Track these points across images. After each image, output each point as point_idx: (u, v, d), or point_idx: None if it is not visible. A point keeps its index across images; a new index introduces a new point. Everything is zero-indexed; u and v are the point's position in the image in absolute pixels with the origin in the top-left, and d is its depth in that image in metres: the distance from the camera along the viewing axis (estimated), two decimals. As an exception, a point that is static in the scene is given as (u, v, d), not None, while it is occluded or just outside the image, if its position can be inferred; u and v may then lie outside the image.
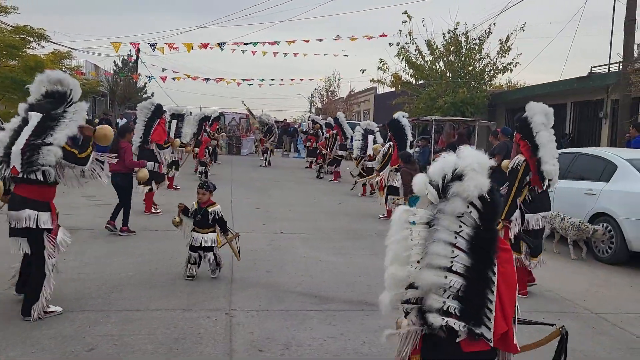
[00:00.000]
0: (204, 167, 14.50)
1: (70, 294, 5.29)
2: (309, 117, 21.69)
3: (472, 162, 2.45)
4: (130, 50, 37.61)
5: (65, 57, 23.04)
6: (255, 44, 21.28)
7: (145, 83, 40.46)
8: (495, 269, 2.40)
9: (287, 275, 6.30)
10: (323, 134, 18.55)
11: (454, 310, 2.32)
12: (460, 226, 2.38)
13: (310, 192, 13.93)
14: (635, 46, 13.06)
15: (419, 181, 2.58)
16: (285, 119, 33.89)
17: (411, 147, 15.22)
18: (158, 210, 9.77)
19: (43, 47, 19.08)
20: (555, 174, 5.88)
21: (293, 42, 24.85)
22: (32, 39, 18.02)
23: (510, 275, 2.49)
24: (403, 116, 10.63)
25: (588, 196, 8.11)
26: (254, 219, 9.62)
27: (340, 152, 16.72)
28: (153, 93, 43.91)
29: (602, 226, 7.74)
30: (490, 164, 2.49)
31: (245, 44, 20.98)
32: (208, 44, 20.74)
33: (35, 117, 4.44)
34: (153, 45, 20.44)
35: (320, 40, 20.44)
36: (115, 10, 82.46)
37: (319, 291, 5.76)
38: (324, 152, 17.18)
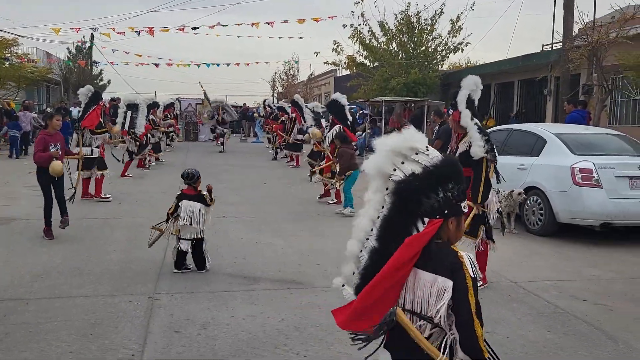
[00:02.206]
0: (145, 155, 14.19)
1: (-6, 284, 5.23)
2: (264, 101, 21.62)
3: (386, 143, 2.28)
4: (83, 36, 36.66)
5: (11, 44, 22.28)
6: (195, 28, 20.93)
7: (101, 70, 39.57)
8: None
9: (220, 258, 6.34)
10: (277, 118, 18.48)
11: (354, 285, 2.30)
12: (383, 206, 2.26)
13: (262, 176, 13.95)
14: (575, 24, 13.37)
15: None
16: (244, 104, 33.63)
17: (356, 129, 15.41)
18: (108, 197, 9.69)
19: (-20, 35, 18.39)
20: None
21: (257, 24, 24.43)
22: (-30, 26, 17.34)
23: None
24: (342, 96, 10.68)
25: (521, 171, 8.35)
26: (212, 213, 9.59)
27: (299, 137, 16.60)
28: (110, 80, 43.04)
29: (533, 199, 8.02)
30: (418, 145, 2.21)
31: (193, 28, 20.63)
32: (152, 28, 20.35)
33: None
34: (95, 29, 19.93)
35: (270, 23, 20.26)
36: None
37: (249, 272, 5.83)
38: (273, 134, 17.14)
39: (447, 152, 5.71)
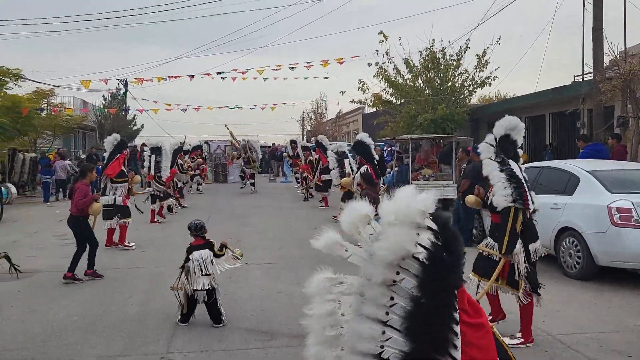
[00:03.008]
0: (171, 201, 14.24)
1: (7, 343, 5.13)
2: (291, 141, 21.68)
3: (389, 210, 1.90)
4: (118, 83, 37.90)
5: (48, 94, 23.12)
6: (220, 72, 21.35)
7: (135, 115, 40.68)
8: (457, 354, 1.83)
9: (238, 309, 6.13)
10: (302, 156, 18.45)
11: None
12: (392, 298, 1.84)
13: (288, 218, 13.79)
14: (605, 55, 13.00)
15: (347, 223, 2.03)
16: (274, 143, 33.89)
17: (384, 167, 15.17)
18: (132, 245, 9.65)
19: (20, 86, 19.15)
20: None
21: (280, 67, 24.95)
22: (8, 79, 18.08)
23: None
24: (367, 136, 10.54)
25: (554, 210, 7.94)
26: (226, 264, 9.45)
27: (326, 177, 16.42)
28: (143, 125, 44.23)
29: (569, 241, 7.60)
30: (427, 207, 1.90)
31: (218, 73, 21.04)
32: (179, 76, 20.88)
33: None
34: (123, 80, 20.49)
35: (293, 67, 20.49)
36: (93, 48, 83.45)
37: (267, 326, 5.59)
38: (305, 175, 17.07)
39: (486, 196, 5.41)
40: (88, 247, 7.59)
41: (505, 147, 5.09)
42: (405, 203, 1.91)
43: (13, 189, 16.52)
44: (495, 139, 5.12)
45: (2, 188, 14.29)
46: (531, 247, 5.11)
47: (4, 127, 16.93)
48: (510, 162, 5.04)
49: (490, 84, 20.16)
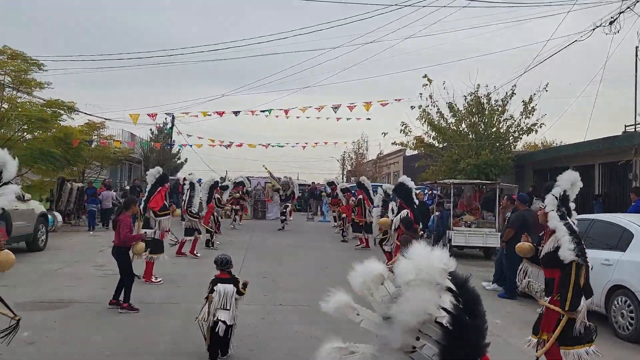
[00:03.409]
0: (209, 235, 14.38)
1: (38, 376, 5.11)
2: (330, 182, 21.67)
3: (408, 269, 1.80)
4: (165, 118, 39.07)
5: (99, 127, 23.97)
6: (264, 110, 21.74)
7: (179, 149, 41.67)
8: None
9: (270, 355, 5.97)
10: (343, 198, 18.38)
11: None
12: None
13: (325, 259, 13.61)
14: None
15: (358, 283, 1.98)
16: (313, 182, 33.97)
17: (427, 212, 14.89)
18: (159, 280, 9.64)
19: (73, 119, 19.96)
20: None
21: (322, 107, 25.29)
22: (62, 112, 18.87)
23: None
24: (409, 180, 10.37)
25: (605, 267, 7.54)
26: (257, 290, 9.32)
27: (370, 219, 16.13)
28: (186, 159, 45.18)
29: (621, 300, 7.16)
30: (448, 266, 1.81)
31: (262, 111, 21.43)
32: (223, 112, 21.35)
33: None
34: (170, 114, 21.09)
35: (336, 108, 20.65)
36: (144, 83, 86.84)
37: (298, 375, 5.40)
38: (344, 215, 16.98)
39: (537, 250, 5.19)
40: (124, 280, 7.69)
41: (563, 202, 4.98)
42: (426, 261, 1.77)
43: (59, 217, 16.97)
44: (560, 193, 5.00)
45: (49, 216, 14.68)
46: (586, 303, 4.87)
47: (55, 157, 17.58)
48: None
49: (536, 131, 19.77)
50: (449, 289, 1.75)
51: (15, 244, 12.88)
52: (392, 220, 10.72)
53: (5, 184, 4.25)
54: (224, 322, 5.46)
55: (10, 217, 11.35)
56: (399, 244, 9.67)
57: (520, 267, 5.62)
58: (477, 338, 1.73)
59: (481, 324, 1.76)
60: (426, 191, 22.45)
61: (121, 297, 7.65)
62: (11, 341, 4.70)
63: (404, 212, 9.98)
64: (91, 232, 17.78)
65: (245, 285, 5.86)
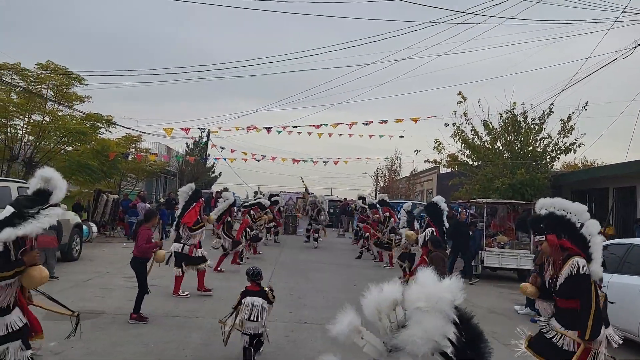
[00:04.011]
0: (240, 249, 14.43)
1: (60, 387, 5.14)
2: (360, 198, 21.53)
3: (418, 295, 1.77)
4: (201, 131, 39.76)
5: (136, 140, 24.54)
6: (296, 126, 21.84)
7: (214, 163, 42.28)
8: None
9: (292, 374, 5.88)
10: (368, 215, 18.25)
11: None
12: None
13: (353, 276, 13.46)
14: None
15: (370, 309, 1.92)
16: (345, 198, 33.84)
17: (466, 230, 14.57)
18: (186, 294, 9.68)
19: (110, 132, 20.51)
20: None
21: (354, 123, 25.44)
22: (101, 125, 19.41)
23: None
24: (443, 200, 10.19)
25: (644, 294, 7.19)
26: (283, 306, 9.28)
27: (392, 236, 16.06)
28: (220, 172, 45.80)
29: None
30: (456, 297, 1.78)
31: (294, 126, 21.54)
32: (255, 127, 21.57)
33: (6, 211, 4.24)
34: (203, 129, 21.45)
35: (367, 123, 20.58)
36: (180, 98, 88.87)
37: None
38: (367, 234, 16.89)
39: (544, 279, 4.96)
40: (138, 289, 7.88)
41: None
42: (436, 289, 1.73)
43: (94, 228, 17.32)
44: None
45: (84, 226, 15.00)
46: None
47: (92, 169, 18.05)
48: None
49: (574, 151, 19.24)
50: (454, 322, 1.66)
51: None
52: (417, 237, 10.58)
53: (52, 205, 4.33)
54: (247, 334, 5.83)
55: (62, 227, 12.21)
56: (424, 259, 9.57)
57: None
58: None
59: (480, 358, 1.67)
60: (460, 210, 22.08)
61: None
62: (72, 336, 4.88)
63: (429, 230, 9.84)
64: (124, 244, 18.09)
65: (271, 290, 6.21)
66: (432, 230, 9.86)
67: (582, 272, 4.46)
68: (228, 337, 6.03)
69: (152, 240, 7.99)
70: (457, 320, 1.70)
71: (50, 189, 4.36)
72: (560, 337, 4.58)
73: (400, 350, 1.70)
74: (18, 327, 4.22)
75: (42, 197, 4.33)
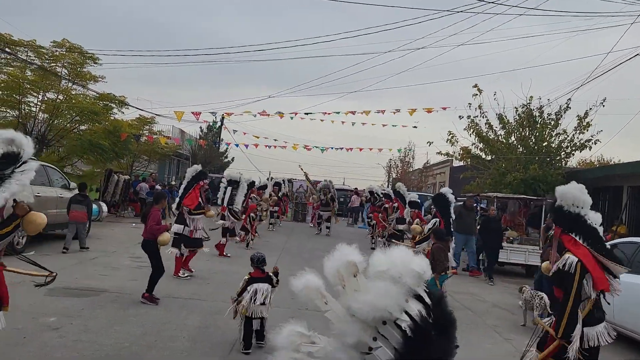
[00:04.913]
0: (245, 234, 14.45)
1: (54, 363, 5.16)
2: (369, 186, 21.40)
3: (381, 261, 1.76)
4: (215, 116, 39.81)
5: (149, 122, 24.58)
6: (308, 113, 21.73)
7: (227, 148, 42.34)
8: None
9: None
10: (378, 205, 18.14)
11: None
12: None
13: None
14: None
15: (331, 270, 1.94)
16: (356, 188, 33.71)
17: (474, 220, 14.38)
18: (185, 275, 9.68)
19: (123, 113, 20.55)
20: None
21: (367, 112, 25.30)
22: (114, 105, 19.45)
23: None
24: (451, 192, 10.07)
25: (652, 295, 7.03)
26: (285, 293, 9.21)
27: (400, 227, 15.98)
28: (233, 158, 45.87)
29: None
30: (424, 272, 1.73)
31: (306, 113, 21.41)
32: (266, 113, 21.46)
33: None
34: (214, 113, 21.45)
35: (380, 112, 20.38)
36: (193, 82, 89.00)
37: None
38: (373, 222, 16.75)
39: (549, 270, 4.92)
40: (152, 271, 7.83)
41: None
42: (402, 260, 1.69)
43: (104, 208, 17.44)
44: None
45: (94, 206, 15.09)
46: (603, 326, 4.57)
47: (103, 148, 18.12)
48: None
49: (590, 148, 18.87)
50: (421, 300, 1.59)
51: (59, 230, 13.31)
52: (422, 228, 10.50)
53: (26, 162, 4.27)
54: (257, 318, 5.97)
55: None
56: (414, 245, 9.55)
57: None
58: (438, 358, 1.56)
59: (447, 346, 1.60)
60: (479, 205, 21.87)
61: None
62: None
63: (434, 221, 9.74)
64: (134, 224, 18.20)
65: (276, 273, 6.25)
66: (437, 222, 9.76)
67: (567, 269, 4.44)
68: (236, 314, 6.09)
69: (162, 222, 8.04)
70: (425, 297, 1.62)
71: (17, 149, 4.27)
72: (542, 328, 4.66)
73: (353, 315, 1.68)
74: None
75: (11, 159, 4.24)
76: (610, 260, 4.55)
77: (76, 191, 13.51)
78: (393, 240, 16.05)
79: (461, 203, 14.68)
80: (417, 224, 12.70)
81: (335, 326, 1.74)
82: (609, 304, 4.81)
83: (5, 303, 4.44)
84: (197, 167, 10.51)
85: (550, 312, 8.13)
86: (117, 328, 6.41)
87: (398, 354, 1.57)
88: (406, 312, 1.59)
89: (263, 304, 5.98)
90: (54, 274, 4.83)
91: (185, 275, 9.67)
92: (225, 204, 12.74)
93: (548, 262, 5.24)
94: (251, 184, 14.87)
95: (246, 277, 6.19)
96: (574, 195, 4.73)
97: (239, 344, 6.05)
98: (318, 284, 1.91)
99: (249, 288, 6.05)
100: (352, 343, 1.63)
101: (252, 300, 5.94)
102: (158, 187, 20.89)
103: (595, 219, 4.70)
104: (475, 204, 15.70)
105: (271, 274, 6.26)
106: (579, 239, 4.61)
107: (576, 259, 4.46)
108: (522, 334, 7.58)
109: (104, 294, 8.10)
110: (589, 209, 4.73)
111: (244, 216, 13.89)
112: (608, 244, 8.44)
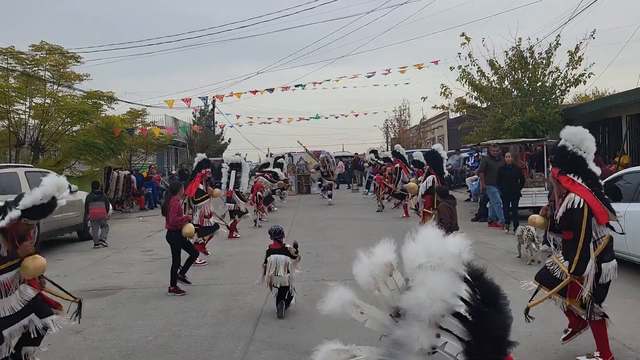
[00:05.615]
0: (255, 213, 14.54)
1: (83, 364, 5.22)
2: (369, 150, 21.35)
3: (417, 254, 1.61)
4: (206, 99, 39.49)
5: (140, 114, 24.41)
6: (298, 85, 21.51)
7: (222, 130, 42.10)
8: None
9: (311, 332, 5.90)
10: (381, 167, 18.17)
11: None
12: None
13: (368, 230, 13.45)
14: None
15: (363, 277, 1.80)
16: (356, 153, 33.62)
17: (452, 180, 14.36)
18: (202, 261, 9.72)
19: (113, 108, 20.38)
20: None
21: (357, 76, 25.12)
22: (103, 102, 19.26)
23: None
24: (442, 148, 10.09)
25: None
26: (301, 265, 9.26)
27: (405, 186, 15.99)
28: (230, 139, 45.64)
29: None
30: (461, 250, 1.62)
31: (296, 85, 21.17)
32: (257, 91, 21.24)
33: None
34: (204, 98, 21.23)
35: (370, 75, 20.16)
36: (177, 68, 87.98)
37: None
38: (378, 184, 16.86)
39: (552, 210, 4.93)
40: (189, 255, 8.16)
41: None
42: (438, 245, 1.58)
43: (109, 205, 17.44)
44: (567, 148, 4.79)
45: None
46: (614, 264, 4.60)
47: (98, 147, 18.03)
48: None
49: (584, 82, 18.71)
50: (465, 280, 1.52)
51: (68, 234, 13.36)
52: (419, 186, 10.49)
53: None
54: (276, 287, 6.45)
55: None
56: (426, 210, 9.55)
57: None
58: (500, 334, 1.51)
59: (504, 319, 1.54)
60: (473, 154, 21.78)
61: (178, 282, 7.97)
62: (77, 319, 4.89)
63: (431, 178, 9.70)
64: (140, 218, 18.26)
65: (295, 246, 6.71)
66: (434, 179, 9.72)
67: (575, 206, 4.43)
68: (266, 282, 6.52)
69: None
70: (468, 277, 1.55)
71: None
72: (556, 266, 4.65)
73: (406, 317, 1.53)
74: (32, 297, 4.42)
75: None
76: (607, 207, 4.54)
77: (78, 193, 13.53)
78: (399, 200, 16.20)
79: (486, 154, 14.43)
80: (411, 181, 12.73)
81: (384, 336, 1.64)
82: (624, 233, 4.83)
83: (56, 306, 4.68)
84: (202, 156, 10.52)
85: (540, 240, 8.89)
86: (140, 322, 6.47)
87: (465, 344, 1.51)
88: (460, 297, 1.52)
89: (282, 273, 6.38)
90: (78, 299, 4.86)
91: (202, 262, 9.70)
92: (231, 188, 12.74)
93: (538, 215, 5.19)
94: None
95: (267, 249, 6.67)
96: (581, 138, 4.65)
97: (260, 323, 6.14)
98: (351, 296, 1.81)
99: (268, 259, 6.53)
100: (412, 348, 1.54)
101: (272, 271, 6.40)
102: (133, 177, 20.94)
103: (595, 169, 4.67)
104: (498, 152, 15.02)
105: (288, 246, 6.64)
106: (578, 179, 4.57)
107: (580, 198, 4.46)
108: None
109: (122, 290, 8.16)
110: (591, 159, 4.68)
111: (250, 195, 13.91)
112: (614, 175, 8.46)
